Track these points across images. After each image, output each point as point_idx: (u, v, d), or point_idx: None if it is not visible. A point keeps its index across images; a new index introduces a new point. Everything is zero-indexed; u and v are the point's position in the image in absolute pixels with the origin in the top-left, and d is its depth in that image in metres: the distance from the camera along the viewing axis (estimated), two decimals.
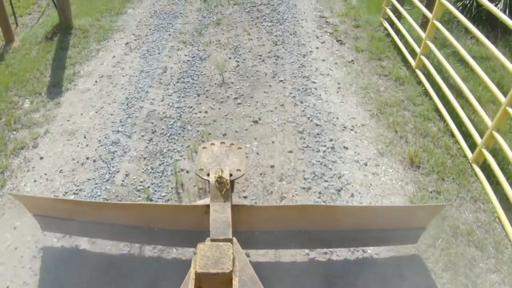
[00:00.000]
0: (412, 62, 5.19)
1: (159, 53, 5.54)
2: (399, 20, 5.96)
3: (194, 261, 1.65)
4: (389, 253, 3.03)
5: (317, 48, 5.74)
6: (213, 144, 2.69)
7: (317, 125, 4.23)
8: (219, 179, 2.37)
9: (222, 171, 2.42)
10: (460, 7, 6.74)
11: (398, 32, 5.88)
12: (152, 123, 4.25)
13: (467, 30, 6.39)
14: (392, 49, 5.71)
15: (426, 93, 4.75)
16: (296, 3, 7.23)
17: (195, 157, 3.79)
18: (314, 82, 4.94)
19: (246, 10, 6.85)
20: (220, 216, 2.24)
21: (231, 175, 2.45)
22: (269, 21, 6.44)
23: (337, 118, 4.36)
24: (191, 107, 4.46)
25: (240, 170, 2.49)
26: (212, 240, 2.11)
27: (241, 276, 1.83)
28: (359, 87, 4.91)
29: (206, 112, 4.42)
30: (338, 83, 4.97)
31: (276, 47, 5.70)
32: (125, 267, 2.88)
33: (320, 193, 3.46)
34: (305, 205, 3.06)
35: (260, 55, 5.47)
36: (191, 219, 2.60)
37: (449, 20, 6.39)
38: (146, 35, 6.05)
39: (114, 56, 5.52)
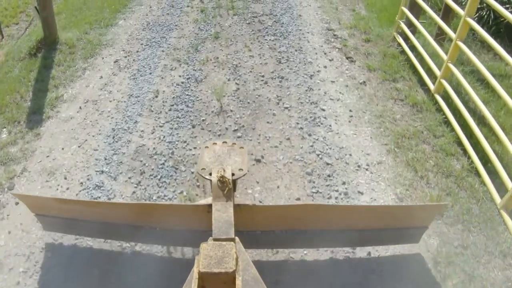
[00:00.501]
0: (431, 86, 4.68)
1: (150, 73, 5.03)
2: (414, 34, 5.46)
3: (197, 260, 1.65)
4: None
5: (325, 67, 5.23)
6: (215, 143, 2.68)
7: (327, 164, 3.74)
8: (221, 179, 2.36)
9: (224, 170, 2.41)
10: (476, 18, 6.23)
11: (413, 48, 5.38)
12: (141, 161, 3.76)
13: (483, 44, 5.90)
14: (407, 68, 5.20)
15: (447, 122, 4.25)
16: (301, 13, 6.72)
17: None
18: (323, 110, 4.44)
19: (247, 22, 6.33)
20: (222, 215, 2.23)
21: (233, 174, 2.43)
22: (272, 35, 5.93)
23: (350, 154, 3.86)
24: (185, 142, 3.96)
25: (242, 170, 2.48)
26: (215, 240, 2.08)
27: (243, 275, 1.80)
28: (373, 115, 4.41)
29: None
30: (350, 111, 4.47)
31: (280, 65, 5.19)
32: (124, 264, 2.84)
33: (332, 252, 2.99)
34: (307, 204, 3.01)
35: (263, 76, 4.97)
36: (193, 218, 2.59)
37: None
38: (137, 51, 5.54)
39: (101, 77, 5.02)
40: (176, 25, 6.24)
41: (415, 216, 2.77)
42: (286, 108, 4.44)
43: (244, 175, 2.50)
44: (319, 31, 6.18)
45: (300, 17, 6.55)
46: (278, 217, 2.66)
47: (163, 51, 5.52)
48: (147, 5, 7.02)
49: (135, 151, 3.86)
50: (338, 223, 2.68)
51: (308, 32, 6.08)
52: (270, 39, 5.80)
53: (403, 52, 5.48)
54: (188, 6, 6.89)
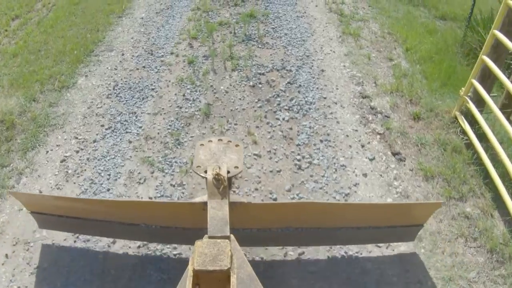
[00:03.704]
0: None
1: (108, 190, 3.39)
2: (481, 112, 3.82)
3: (191, 258, 1.64)
4: None
5: (364, 175, 3.57)
6: (210, 141, 2.61)
7: None
8: (216, 176, 2.31)
9: (219, 168, 2.36)
10: None
11: (482, 136, 3.73)
12: None
13: None
14: (476, 174, 3.56)
15: None
16: (324, 65, 4.99)
17: None
18: (367, 272, 2.81)
19: (251, 83, 4.62)
20: (218, 213, 2.19)
21: (228, 172, 2.38)
22: (287, 109, 4.24)
23: None
24: None
25: (237, 167, 2.44)
26: (210, 238, 2.01)
27: (239, 273, 1.76)
28: (440, 278, 2.79)
29: None
30: (407, 270, 2.85)
31: (300, 175, 3.53)
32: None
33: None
34: (303, 202, 3.07)
35: (274, 200, 3.33)
36: (188, 216, 2.55)
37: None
38: (95, 142, 3.88)
39: (40, 191, 3.37)
40: (153, 89, 4.54)
41: (411, 214, 2.77)
42: (312, 273, 2.82)
43: (239, 172, 2.46)
44: (350, 98, 4.48)
45: (322, 74, 4.84)
46: (274, 215, 2.64)
47: (130, 141, 3.85)
48: (119, 51, 5.29)
49: None
50: (334, 220, 2.68)
51: (335, 103, 4.39)
52: (283, 118, 4.12)
53: (469, 145, 3.83)
54: (171, 54, 5.16)
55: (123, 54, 5.18)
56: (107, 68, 4.94)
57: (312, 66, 4.95)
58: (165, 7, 6.42)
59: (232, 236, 2.07)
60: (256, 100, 4.35)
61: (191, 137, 3.89)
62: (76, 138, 3.95)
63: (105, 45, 5.45)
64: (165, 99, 4.38)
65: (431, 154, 3.85)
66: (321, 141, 3.87)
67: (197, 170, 2.43)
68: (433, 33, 6.05)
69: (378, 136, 4.03)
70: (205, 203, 2.32)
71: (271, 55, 5.14)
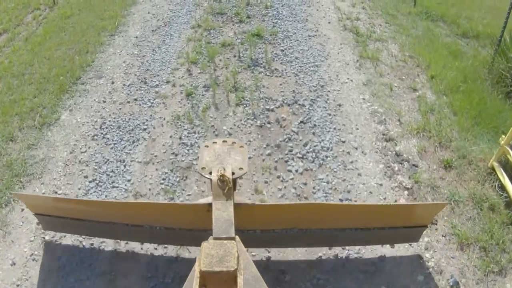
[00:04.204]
0: None
1: (87, 278, 2.82)
2: None
3: (198, 259, 1.64)
4: None
5: (391, 246, 3.00)
6: (215, 142, 2.58)
7: None
8: (221, 178, 2.28)
9: (224, 169, 2.33)
10: None
11: None
12: None
13: None
14: None
15: None
16: (341, 98, 4.38)
17: None
18: None
19: (258, 123, 4.02)
20: (223, 214, 2.17)
21: (233, 173, 2.35)
22: (300, 157, 3.63)
23: None
24: None
25: (242, 169, 2.40)
26: (215, 239, 1.99)
27: (244, 274, 1.72)
28: None
29: None
30: None
31: (318, 250, 2.96)
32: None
33: None
34: (307, 203, 3.03)
35: None
36: (192, 217, 2.53)
37: None
38: (77, 197, 3.31)
39: (13, 264, 2.83)
40: (145, 129, 3.95)
41: (414, 215, 2.74)
42: None
43: (244, 174, 2.40)
44: (373, 142, 3.88)
45: (340, 109, 4.23)
46: (278, 216, 2.62)
47: (117, 199, 3.28)
48: (109, 78, 4.70)
49: None
50: (339, 222, 2.65)
51: (356, 148, 3.79)
52: (297, 170, 3.51)
53: (510, 203, 3.25)
54: (167, 83, 4.56)
55: (113, 82, 4.59)
56: (95, 100, 4.36)
57: (328, 99, 4.36)
58: (162, 23, 5.82)
59: (237, 237, 2.06)
60: (265, 146, 3.75)
61: (188, 195, 3.30)
62: (56, 192, 3.38)
63: (94, 70, 4.85)
64: (159, 142, 3.79)
65: (466, 214, 3.27)
66: (341, 200, 3.29)
67: (202, 172, 2.40)
68: (458, 55, 5.46)
69: (406, 192, 3.44)
70: (209, 205, 2.31)
71: (280, 84, 4.54)
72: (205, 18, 5.88)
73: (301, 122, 4.01)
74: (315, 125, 3.99)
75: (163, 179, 3.41)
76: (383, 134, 4.00)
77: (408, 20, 6.46)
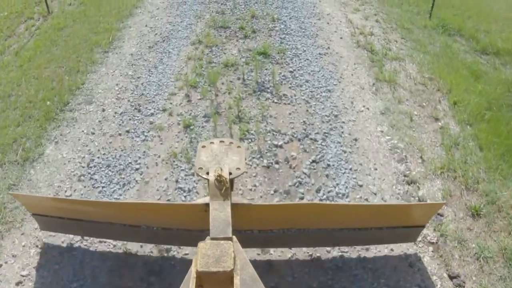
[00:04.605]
0: None
1: None
2: None
3: (194, 259, 1.63)
4: None
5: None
6: (212, 142, 2.56)
7: None
8: (218, 178, 2.28)
9: (221, 169, 2.32)
10: None
11: None
12: None
13: None
14: None
15: None
16: (356, 131, 3.91)
17: None
18: None
19: (264, 162, 3.52)
20: (220, 214, 2.16)
21: (230, 173, 2.34)
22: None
23: None
24: None
25: (239, 169, 2.38)
26: (212, 239, 2.00)
27: (241, 275, 1.72)
28: None
29: None
30: None
31: None
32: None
33: None
34: (304, 203, 3.03)
35: None
36: (190, 218, 2.54)
37: None
38: (60, 255, 2.88)
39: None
40: (137, 168, 3.50)
41: (412, 215, 2.75)
42: None
43: (241, 174, 2.39)
44: (393, 185, 3.42)
45: (356, 144, 3.78)
46: (276, 216, 2.62)
47: (103, 260, 2.86)
48: (99, 104, 4.25)
49: None
50: (336, 222, 2.66)
51: (375, 193, 3.31)
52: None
53: None
54: (164, 111, 4.10)
55: (103, 110, 4.15)
56: (83, 131, 3.91)
57: (343, 132, 3.90)
58: (160, 38, 5.37)
59: (234, 238, 2.04)
60: (272, 192, 3.30)
61: (185, 254, 2.87)
62: (37, 246, 2.95)
63: (83, 94, 4.41)
64: (152, 186, 3.34)
65: (496, 273, 2.84)
66: (359, 262, 2.84)
67: (199, 172, 2.38)
68: (479, 76, 5.02)
69: (431, 249, 2.99)
70: (207, 205, 2.30)
71: (290, 114, 4.09)
72: (207, 33, 5.43)
73: (313, 161, 3.56)
74: (328, 165, 3.54)
75: (152, 260, 2.96)
76: (405, 176, 3.55)
77: (424, 34, 6.00)
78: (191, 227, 2.59)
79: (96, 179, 3.41)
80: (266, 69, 4.72)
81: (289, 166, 3.53)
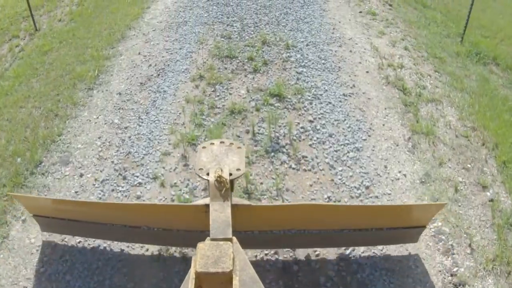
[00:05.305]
0: None
1: None
2: None
3: (194, 260, 1.62)
4: None
5: None
6: (212, 143, 2.56)
7: None
8: (218, 179, 2.27)
9: (221, 170, 2.32)
10: None
11: None
12: None
13: None
14: None
15: None
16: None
17: None
18: None
19: (279, 263, 2.74)
20: (220, 215, 2.17)
21: (230, 174, 2.34)
22: None
23: None
24: None
25: (239, 170, 2.38)
26: (212, 240, 1.99)
27: (241, 275, 1.71)
28: None
29: None
30: None
31: None
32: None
33: None
34: (305, 204, 3.01)
35: None
36: (190, 218, 2.55)
37: None
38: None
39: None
40: (118, 268, 2.78)
41: (413, 215, 2.75)
42: None
43: (242, 175, 2.38)
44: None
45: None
46: (276, 217, 2.62)
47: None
48: (77, 166, 3.46)
49: None
50: (336, 222, 2.65)
51: None
52: None
53: None
54: (154, 179, 3.30)
55: (81, 175, 3.38)
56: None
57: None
58: (154, 72, 4.57)
59: (234, 238, 1.99)
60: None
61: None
62: None
63: (60, 150, 3.64)
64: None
65: None
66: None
67: (199, 173, 2.35)
68: None
69: None
70: (207, 206, 2.27)
71: (311, 186, 3.30)
72: (210, 65, 4.63)
73: (341, 259, 2.82)
74: (359, 265, 2.79)
75: None
76: (451, 275, 2.81)
77: (458, 64, 5.23)
78: (191, 228, 2.59)
79: (68, 281, 2.67)
80: (281, 118, 3.93)
81: (310, 268, 2.77)
